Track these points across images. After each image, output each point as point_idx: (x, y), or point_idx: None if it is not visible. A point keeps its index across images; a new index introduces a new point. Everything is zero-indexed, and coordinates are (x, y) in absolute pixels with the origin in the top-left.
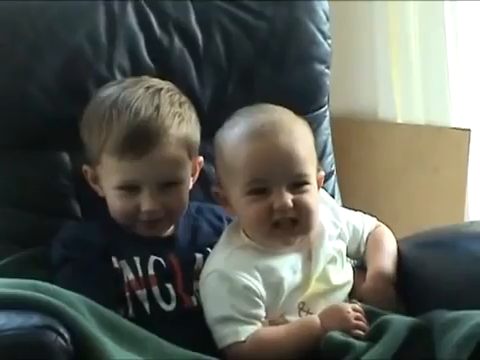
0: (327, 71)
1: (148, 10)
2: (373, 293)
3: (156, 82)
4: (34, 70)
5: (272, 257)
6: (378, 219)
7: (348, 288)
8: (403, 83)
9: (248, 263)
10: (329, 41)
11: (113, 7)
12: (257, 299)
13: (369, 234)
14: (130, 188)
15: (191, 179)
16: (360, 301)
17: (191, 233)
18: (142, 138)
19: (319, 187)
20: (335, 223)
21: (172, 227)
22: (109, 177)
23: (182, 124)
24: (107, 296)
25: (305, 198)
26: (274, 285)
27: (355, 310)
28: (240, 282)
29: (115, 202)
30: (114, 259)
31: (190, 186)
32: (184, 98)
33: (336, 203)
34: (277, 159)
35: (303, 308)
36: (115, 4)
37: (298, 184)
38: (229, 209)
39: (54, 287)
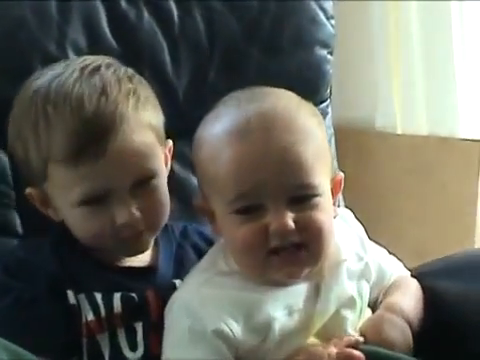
0: (329, 57)
1: None
2: (376, 326)
3: (91, 59)
4: None
5: (263, 288)
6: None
7: None
8: (404, 88)
9: (227, 295)
10: (332, 21)
11: None
12: (227, 350)
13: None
14: (96, 200)
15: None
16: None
17: (175, 263)
18: (95, 133)
19: (337, 193)
20: (359, 255)
21: (150, 253)
22: (64, 194)
23: (140, 103)
24: (52, 343)
25: (313, 215)
26: (260, 327)
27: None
28: (208, 323)
29: (80, 224)
30: (70, 293)
31: (165, 180)
32: (131, 71)
33: (363, 231)
34: (270, 166)
35: None
36: None
37: (302, 198)
38: (216, 227)
39: None
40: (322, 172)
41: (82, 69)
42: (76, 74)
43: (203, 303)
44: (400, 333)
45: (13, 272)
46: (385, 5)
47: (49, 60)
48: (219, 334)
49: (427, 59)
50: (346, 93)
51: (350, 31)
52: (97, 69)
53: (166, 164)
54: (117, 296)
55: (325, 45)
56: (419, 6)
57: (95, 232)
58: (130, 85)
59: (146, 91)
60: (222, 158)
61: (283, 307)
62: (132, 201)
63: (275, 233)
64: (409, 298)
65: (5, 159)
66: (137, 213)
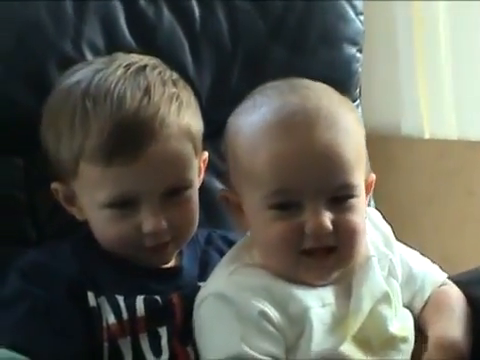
0: (359, 55)
1: None
2: None
3: (136, 58)
4: None
5: (291, 283)
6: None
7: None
8: (430, 91)
9: (259, 282)
10: (361, 17)
11: None
12: (278, 333)
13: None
14: (124, 204)
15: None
16: None
17: (199, 265)
18: (133, 134)
19: (368, 194)
20: (384, 253)
21: (174, 256)
22: (92, 193)
23: (182, 109)
24: (71, 349)
25: (350, 218)
26: (296, 317)
27: None
28: (253, 306)
29: (105, 226)
30: (90, 295)
31: (197, 193)
32: (176, 75)
33: (391, 231)
34: (313, 164)
35: None
36: None
37: (341, 198)
38: (242, 220)
39: None
40: (361, 172)
41: (127, 67)
42: (120, 71)
43: (238, 289)
44: None
45: (30, 278)
46: (411, 5)
47: (65, 62)
48: (264, 316)
49: (455, 59)
50: (370, 97)
51: (374, 32)
52: (142, 69)
53: (199, 175)
54: (140, 299)
55: (354, 42)
56: (446, 5)
57: (119, 237)
58: (174, 89)
59: (189, 97)
60: (262, 151)
61: (316, 298)
62: (161, 210)
63: (311, 234)
64: (456, 322)
65: (21, 164)
66: (164, 223)
